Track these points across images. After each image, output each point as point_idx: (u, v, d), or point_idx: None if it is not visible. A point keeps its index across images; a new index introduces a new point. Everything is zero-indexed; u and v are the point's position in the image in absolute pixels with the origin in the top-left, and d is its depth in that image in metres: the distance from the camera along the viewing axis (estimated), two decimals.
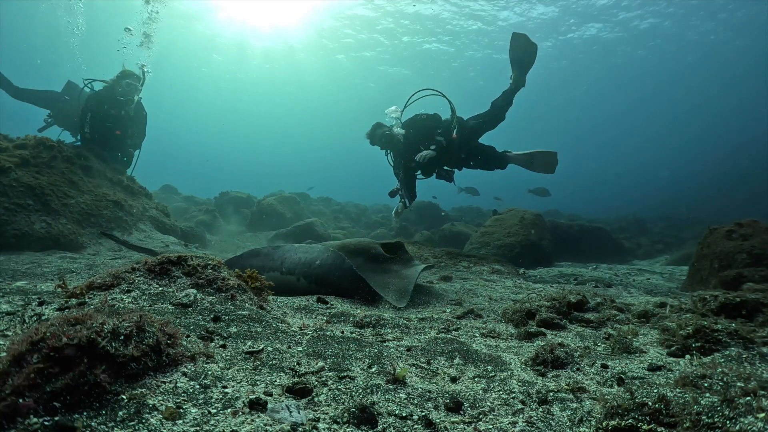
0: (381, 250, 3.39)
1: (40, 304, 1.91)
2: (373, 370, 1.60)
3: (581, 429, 1.25)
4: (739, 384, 1.31)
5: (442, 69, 37.04)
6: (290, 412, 1.18)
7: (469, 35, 31.31)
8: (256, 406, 1.18)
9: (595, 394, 1.50)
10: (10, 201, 5.15)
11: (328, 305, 2.84)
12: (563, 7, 27.71)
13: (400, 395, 1.39)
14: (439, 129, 6.65)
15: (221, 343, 1.65)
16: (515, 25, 29.33)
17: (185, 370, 1.34)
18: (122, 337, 1.21)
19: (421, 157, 6.54)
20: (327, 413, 1.22)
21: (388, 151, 7.07)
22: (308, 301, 2.87)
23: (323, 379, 1.47)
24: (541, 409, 1.38)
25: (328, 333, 2.08)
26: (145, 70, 7.97)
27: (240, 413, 1.15)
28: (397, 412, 1.27)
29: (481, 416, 1.31)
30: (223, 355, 1.54)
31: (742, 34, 29.80)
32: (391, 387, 1.45)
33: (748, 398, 1.20)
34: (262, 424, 1.11)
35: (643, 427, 1.08)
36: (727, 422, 1.08)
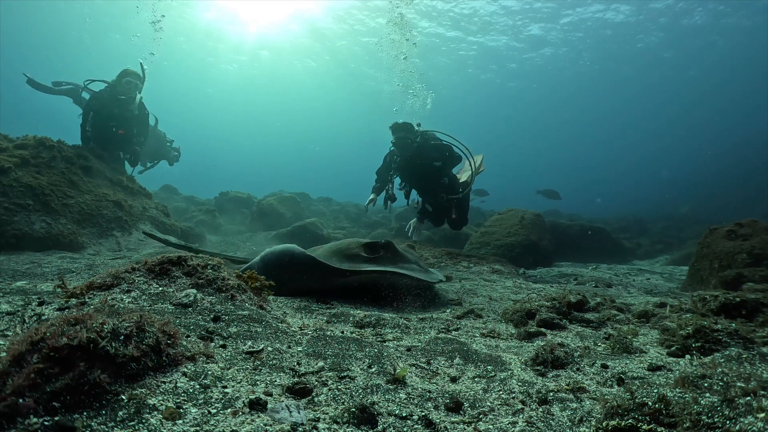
0: (359, 251, 3.24)
1: (40, 304, 1.91)
2: (373, 370, 1.60)
3: (581, 429, 1.25)
4: (739, 384, 1.31)
5: (446, 63, 37.03)
6: (290, 412, 1.18)
7: (469, 31, 31.27)
8: (256, 406, 1.18)
9: (595, 394, 1.50)
10: (10, 201, 5.15)
11: (328, 305, 2.84)
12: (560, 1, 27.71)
13: (400, 395, 1.40)
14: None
15: (221, 343, 1.65)
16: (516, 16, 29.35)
17: (185, 370, 1.34)
18: (122, 337, 1.21)
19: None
20: (327, 413, 1.22)
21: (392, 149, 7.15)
22: (308, 301, 2.87)
23: (323, 379, 1.47)
24: (541, 409, 1.38)
25: (328, 333, 2.08)
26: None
27: (240, 413, 1.15)
28: (397, 412, 1.27)
29: (481, 416, 1.31)
30: (223, 355, 1.54)
31: (743, 29, 29.73)
32: (391, 387, 1.45)
33: (748, 398, 1.20)
34: (262, 424, 1.11)
35: (643, 427, 1.08)
36: (727, 422, 1.08)
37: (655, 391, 1.20)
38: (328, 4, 28.73)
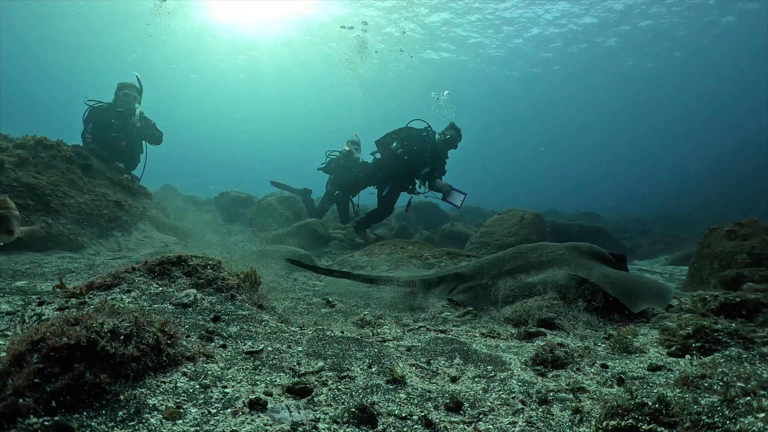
0: (611, 257, 3.27)
1: (40, 304, 1.91)
2: (373, 370, 1.60)
3: (581, 429, 1.25)
4: (739, 384, 1.31)
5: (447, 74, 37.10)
6: (290, 412, 1.18)
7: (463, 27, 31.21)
8: (256, 406, 1.18)
9: (595, 394, 1.50)
10: None
11: (330, 304, 2.84)
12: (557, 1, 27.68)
13: (400, 395, 1.39)
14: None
15: (221, 343, 1.65)
16: (515, 20, 29.41)
17: (185, 370, 1.34)
18: (122, 337, 1.21)
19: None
20: (327, 413, 1.22)
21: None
22: (309, 301, 2.87)
23: (323, 379, 1.47)
24: (541, 409, 1.38)
25: (328, 333, 2.08)
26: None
27: (240, 413, 1.15)
28: (397, 412, 1.27)
29: (481, 416, 1.31)
30: (223, 355, 1.54)
31: (744, 28, 29.64)
32: (391, 387, 1.45)
33: (748, 398, 1.20)
34: (262, 424, 1.11)
35: (643, 427, 1.08)
36: (727, 422, 1.08)
37: (655, 391, 1.20)
38: (332, 7, 28.71)
